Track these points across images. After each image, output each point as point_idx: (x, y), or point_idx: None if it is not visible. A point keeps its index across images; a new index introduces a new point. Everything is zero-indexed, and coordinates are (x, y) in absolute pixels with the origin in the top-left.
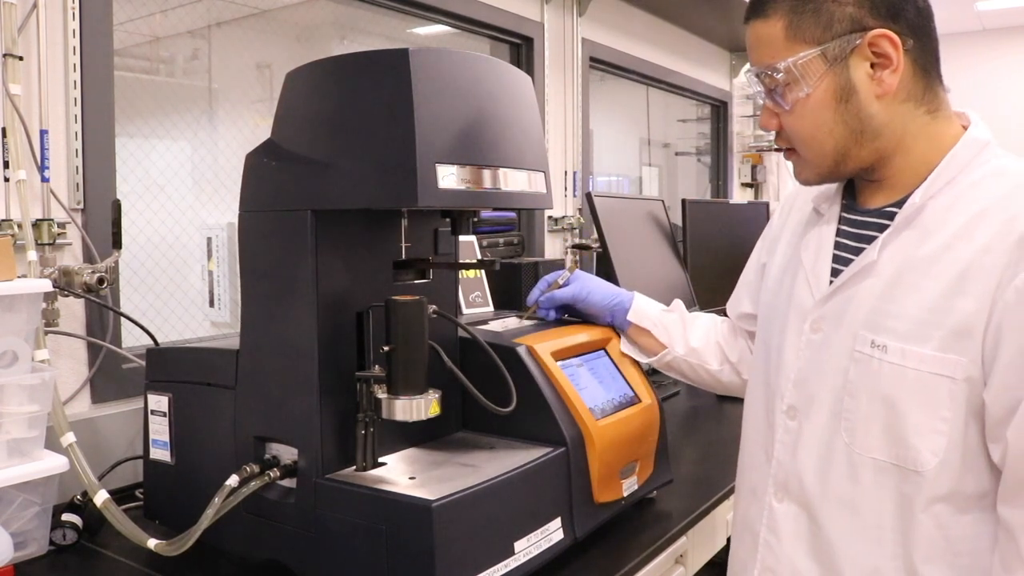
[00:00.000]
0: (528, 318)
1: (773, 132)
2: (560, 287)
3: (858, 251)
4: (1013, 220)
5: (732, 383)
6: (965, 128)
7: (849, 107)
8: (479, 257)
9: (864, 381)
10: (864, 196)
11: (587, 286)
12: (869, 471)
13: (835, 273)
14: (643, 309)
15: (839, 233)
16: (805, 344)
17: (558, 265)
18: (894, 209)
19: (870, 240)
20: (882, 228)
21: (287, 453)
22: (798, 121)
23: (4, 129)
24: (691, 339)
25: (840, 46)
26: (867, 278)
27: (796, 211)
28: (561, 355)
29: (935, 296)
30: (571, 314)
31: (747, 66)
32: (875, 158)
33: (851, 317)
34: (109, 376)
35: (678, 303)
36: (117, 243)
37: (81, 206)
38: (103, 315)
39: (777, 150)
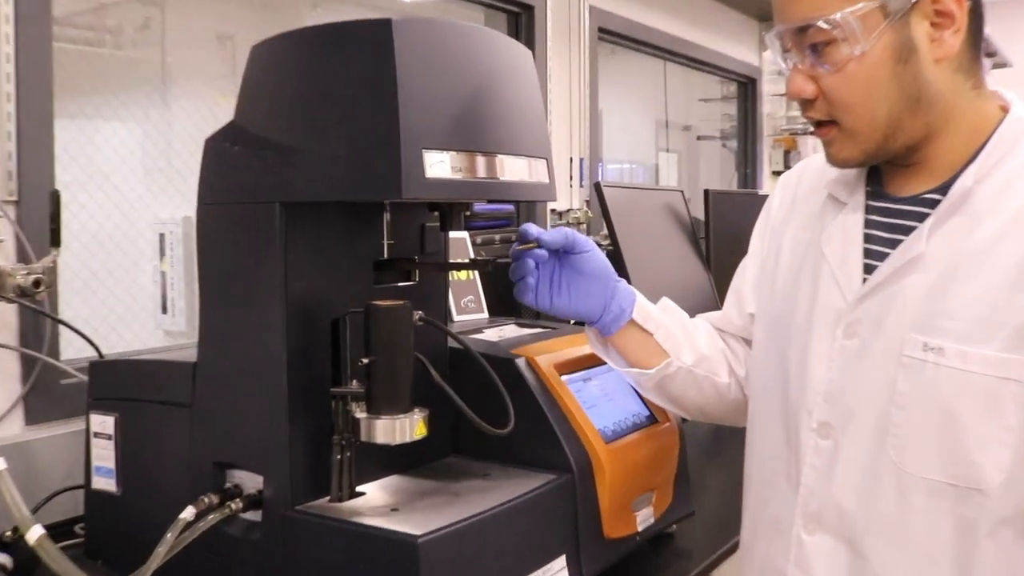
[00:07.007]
0: (517, 250)
1: (800, 103)
2: None
3: (894, 243)
4: None
5: (736, 402)
6: (1003, 108)
7: (908, 68)
8: (472, 256)
9: (916, 390)
10: (894, 183)
11: (591, 243)
12: (921, 494)
13: (868, 269)
14: (646, 306)
15: (868, 224)
16: (838, 352)
17: None
18: (935, 196)
19: (907, 231)
20: (921, 217)
21: (251, 481)
22: (847, 84)
23: None
24: (700, 344)
25: None
26: (913, 272)
27: (802, 200)
28: (566, 368)
29: (994, 290)
30: (553, 303)
31: (776, 28)
32: (924, 133)
33: (896, 318)
34: (46, 393)
35: (667, 302)
36: (56, 240)
37: (14, 198)
38: (39, 323)
39: (813, 129)
